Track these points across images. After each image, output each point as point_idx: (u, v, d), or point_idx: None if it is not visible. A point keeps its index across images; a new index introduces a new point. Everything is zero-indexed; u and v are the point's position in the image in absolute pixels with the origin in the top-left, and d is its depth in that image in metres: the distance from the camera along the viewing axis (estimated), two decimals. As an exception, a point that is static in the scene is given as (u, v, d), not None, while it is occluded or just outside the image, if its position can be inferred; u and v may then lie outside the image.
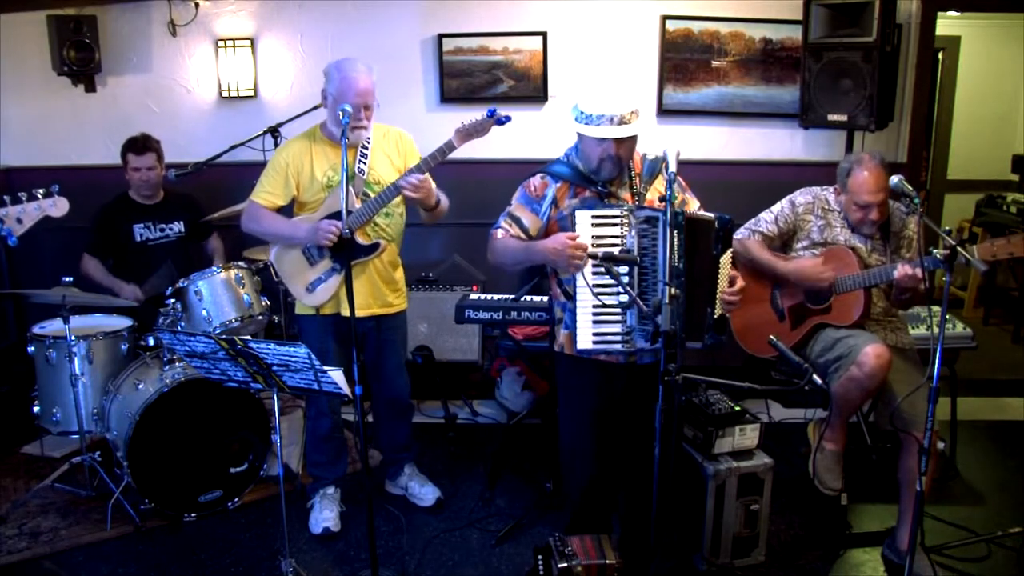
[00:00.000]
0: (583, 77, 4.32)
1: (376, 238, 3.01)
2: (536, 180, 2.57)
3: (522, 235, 2.54)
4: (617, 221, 2.38)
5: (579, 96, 2.46)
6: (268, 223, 2.99)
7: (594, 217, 2.39)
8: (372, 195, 2.94)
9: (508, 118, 2.83)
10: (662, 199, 2.26)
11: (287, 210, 3.07)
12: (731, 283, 2.45)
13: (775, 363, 3.14)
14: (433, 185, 2.98)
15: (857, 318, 2.89)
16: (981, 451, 3.87)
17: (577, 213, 2.40)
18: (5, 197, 2.53)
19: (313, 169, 2.97)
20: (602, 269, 2.32)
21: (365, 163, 2.97)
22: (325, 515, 3.15)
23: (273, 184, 2.98)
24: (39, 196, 2.57)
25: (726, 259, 2.40)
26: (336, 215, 2.91)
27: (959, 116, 6.47)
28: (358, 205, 2.92)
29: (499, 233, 2.56)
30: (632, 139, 2.46)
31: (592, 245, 2.36)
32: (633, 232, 2.35)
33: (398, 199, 2.99)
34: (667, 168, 2.31)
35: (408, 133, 3.16)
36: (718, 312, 2.40)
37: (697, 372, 2.34)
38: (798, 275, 2.98)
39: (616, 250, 2.34)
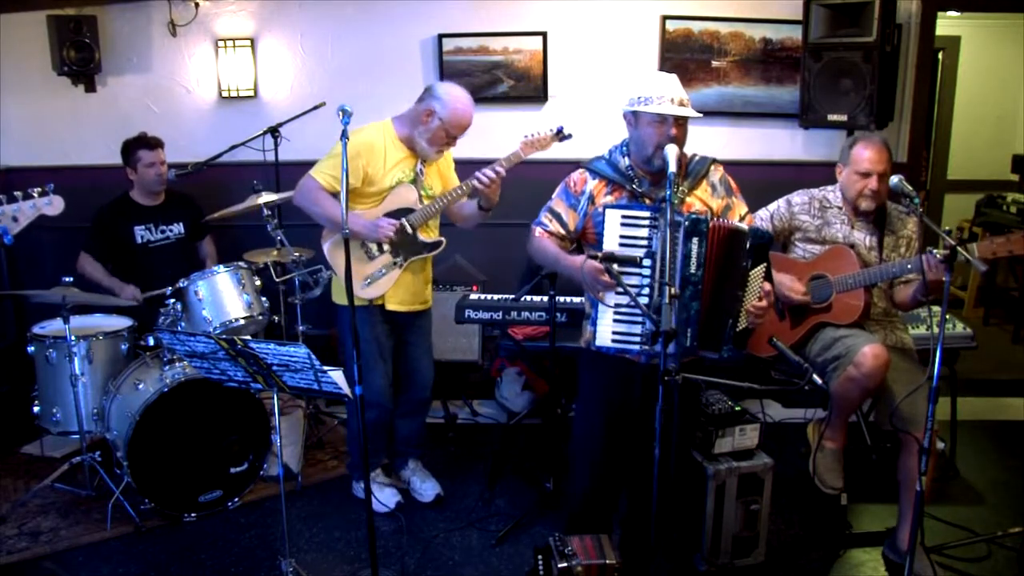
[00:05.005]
0: (583, 77, 4.32)
1: (435, 236, 3.18)
2: (576, 175, 2.58)
3: (561, 230, 2.57)
4: (646, 223, 2.37)
5: (630, 86, 2.46)
6: (326, 206, 3.00)
7: (623, 217, 2.38)
8: (427, 198, 3.08)
9: (571, 135, 3.03)
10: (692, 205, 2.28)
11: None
12: (761, 297, 2.40)
13: (775, 363, 3.14)
14: None
15: (857, 317, 2.89)
16: (981, 451, 3.87)
17: (607, 211, 2.39)
18: (1, 196, 2.51)
19: (385, 164, 3.03)
20: (627, 270, 2.33)
21: (423, 168, 3.10)
22: (387, 493, 3.33)
23: (340, 169, 2.96)
24: (35, 195, 2.55)
25: (758, 272, 2.38)
26: (396, 212, 3.04)
27: (959, 116, 6.47)
28: (419, 205, 3.06)
29: (538, 231, 2.60)
30: (686, 128, 2.46)
31: (619, 245, 2.36)
32: (659, 235, 2.34)
33: None
34: (667, 168, 2.32)
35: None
36: (742, 325, 2.38)
37: (697, 372, 2.35)
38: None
39: (641, 252, 2.35)
